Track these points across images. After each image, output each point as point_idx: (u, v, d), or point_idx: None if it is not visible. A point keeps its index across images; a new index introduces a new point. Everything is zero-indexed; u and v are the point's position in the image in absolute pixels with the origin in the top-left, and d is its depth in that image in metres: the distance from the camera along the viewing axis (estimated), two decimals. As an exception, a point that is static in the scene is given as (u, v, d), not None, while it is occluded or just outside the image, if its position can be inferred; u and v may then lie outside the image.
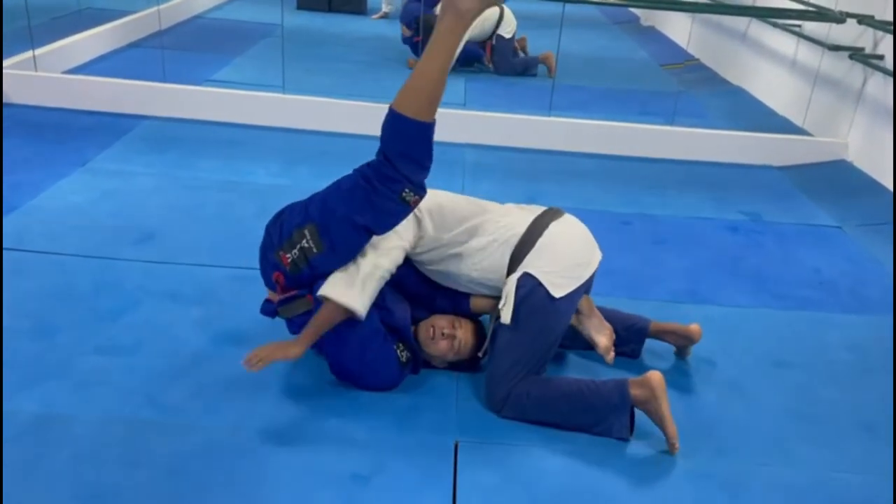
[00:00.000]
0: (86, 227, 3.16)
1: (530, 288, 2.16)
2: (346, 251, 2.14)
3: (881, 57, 4.33)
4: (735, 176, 4.48)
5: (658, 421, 2.13)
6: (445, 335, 2.31)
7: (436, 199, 2.34)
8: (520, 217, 2.30)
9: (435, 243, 2.29)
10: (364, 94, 4.90)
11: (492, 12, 6.05)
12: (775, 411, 2.37)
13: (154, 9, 6.23)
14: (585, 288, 2.29)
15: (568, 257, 2.21)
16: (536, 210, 2.33)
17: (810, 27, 5.08)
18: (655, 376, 2.12)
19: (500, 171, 4.22)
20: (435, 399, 2.29)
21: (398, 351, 2.26)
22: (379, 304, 2.24)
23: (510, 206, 2.41)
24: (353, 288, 2.11)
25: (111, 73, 5.06)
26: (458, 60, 6.08)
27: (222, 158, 4.06)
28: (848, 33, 4.62)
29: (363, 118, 4.34)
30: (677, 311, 2.86)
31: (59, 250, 2.96)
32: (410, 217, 2.21)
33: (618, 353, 2.42)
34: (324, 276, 2.14)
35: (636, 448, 2.15)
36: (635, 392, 2.13)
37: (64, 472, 1.90)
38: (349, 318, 2.13)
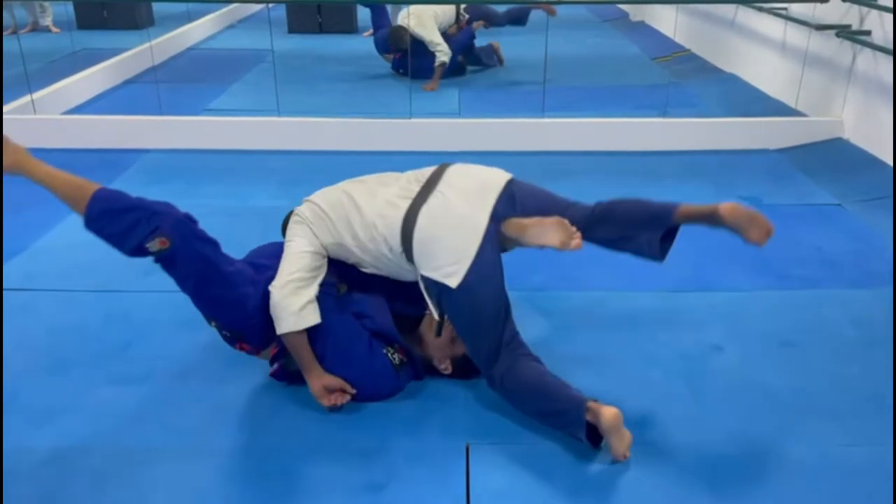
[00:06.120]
0: (93, 262, 3.21)
1: (435, 288, 2.17)
2: (228, 310, 2.23)
3: (868, 32, 4.34)
4: (733, 162, 4.49)
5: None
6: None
7: (323, 200, 2.35)
8: (390, 217, 2.21)
9: (340, 249, 2.30)
10: (358, 111, 4.94)
11: (448, 17, 6.14)
12: (783, 391, 2.38)
13: (146, 45, 6.32)
14: (500, 240, 2.20)
15: (445, 244, 2.13)
16: (412, 191, 2.26)
17: (796, 8, 5.09)
18: (609, 415, 1.99)
19: (497, 176, 4.23)
20: (443, 403, 2.31)
21: (389, 354, 2.28)
22: (358, 312, 2.30)
23: (389, 191, 2.30)
24: (278, 316, 2.18)
25: (109, 110, 5.15)
26: (447, 71, 6.18)
27: (223, 184, 4.11)
28: (833, 12, 4.63)
29: (356, 135, 4.33)
30: (681, 300, 2.89)
31: (68, 287, 3.01)
32: (302, 226, 2.29)
33: (632, 249, 2.40)
34: (258, 321, 2.22)
35: (645, 436, 2.16)
36: (590, 418, 2.03)
37: None
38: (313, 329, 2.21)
